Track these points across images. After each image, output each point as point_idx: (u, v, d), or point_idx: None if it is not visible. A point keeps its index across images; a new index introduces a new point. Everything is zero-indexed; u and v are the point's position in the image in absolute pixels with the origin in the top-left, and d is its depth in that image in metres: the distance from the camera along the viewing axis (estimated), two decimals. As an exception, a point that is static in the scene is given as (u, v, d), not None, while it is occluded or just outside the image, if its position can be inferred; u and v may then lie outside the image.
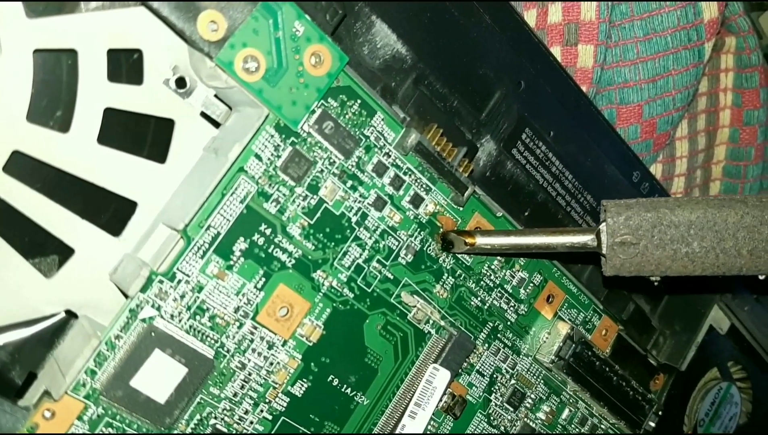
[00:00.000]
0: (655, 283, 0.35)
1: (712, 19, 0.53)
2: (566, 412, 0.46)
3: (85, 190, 0.32)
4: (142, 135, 0.33)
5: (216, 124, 0.34)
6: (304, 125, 0.32)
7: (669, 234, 0.32)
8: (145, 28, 0.31)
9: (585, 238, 0.34)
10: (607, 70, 0.54)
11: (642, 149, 0.57)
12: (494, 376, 0.42)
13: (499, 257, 0.40)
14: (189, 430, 0.32)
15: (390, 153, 0.35)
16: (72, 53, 0.31)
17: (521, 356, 0.43)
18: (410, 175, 0.36)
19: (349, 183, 0.34)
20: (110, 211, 0.33)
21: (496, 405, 0.42)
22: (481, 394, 0.41)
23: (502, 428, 0.43)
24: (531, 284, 0.42)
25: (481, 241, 0.37)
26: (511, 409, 0.43)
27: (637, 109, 0.55)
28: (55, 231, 0.32)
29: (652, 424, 0.49)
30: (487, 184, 0.40)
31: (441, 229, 0.37)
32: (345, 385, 0.36)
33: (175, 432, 0.32)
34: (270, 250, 0.33)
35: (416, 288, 0.38)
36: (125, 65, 0.32)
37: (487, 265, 0.40)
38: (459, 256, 0.39)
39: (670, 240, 0.32)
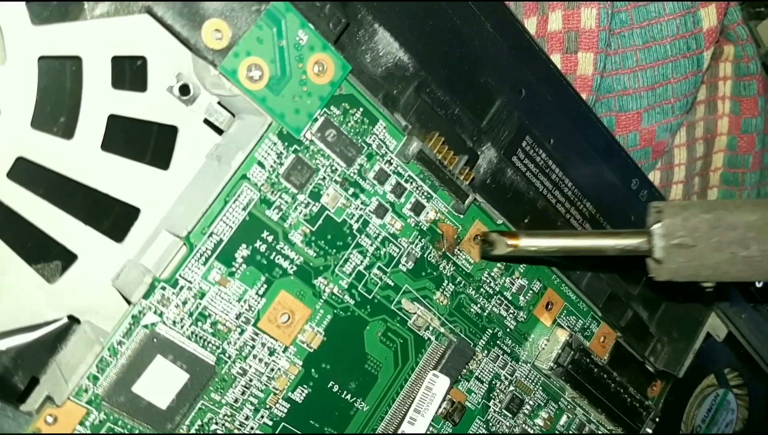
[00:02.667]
0: (707, 290, 0.33)
1: (711, 28, 0.53)
2: (564, 419, 0.46)
3: (88, 196, 0.32)
4: (146, 142, 0.33)
5: (219, 132, 0.34)
6: (307, 133, 0.32)
7: (728, 236, 0.31)
8: (149, 35, 0.31)
9: (637, 241, 0.32)
10: (607, 78, 0.54)
11: (641, 156, 0.57)
12: (493, 382, 0.42)
13: (499, 264, 0.40)
14: (190, 436, 0.33)
15: (392, 161, 0.35)
16: (76, 60, 0.31)
17: (520, 363, 0.43)
18: (411, 183, 0.36)
19: (351, 190, 0.34)
20: (113, 217, 0.33)
21: (494, 411, 0.42)
22: (480, 400, 0.42)
23: (501, 434, 0.43)
24: (530, 291, 0.42)
25: (525, 242, 0.35)
26: (510, 415, 0.43)
27: (636, 117, 0.55)
28: (58, 237, 0.32)
29: (649, 431, 0.49)
30: (488, 191, 0.40)
31: (442, 240, 0.37)
32: (345, 391, 0.37)
33: (176, 437, 0.32)
34: (272, 257, 0.33)
35: (416, 295, 0.38)
36: (129, 72, 0.32)
37: (486, 272, 0.40)
38: (459, 263, 0.39)
39: (729, 242, 0.31)
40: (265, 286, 0.33)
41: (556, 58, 0.52)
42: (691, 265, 0.31)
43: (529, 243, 0.35)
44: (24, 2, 0.30)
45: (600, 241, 0.34)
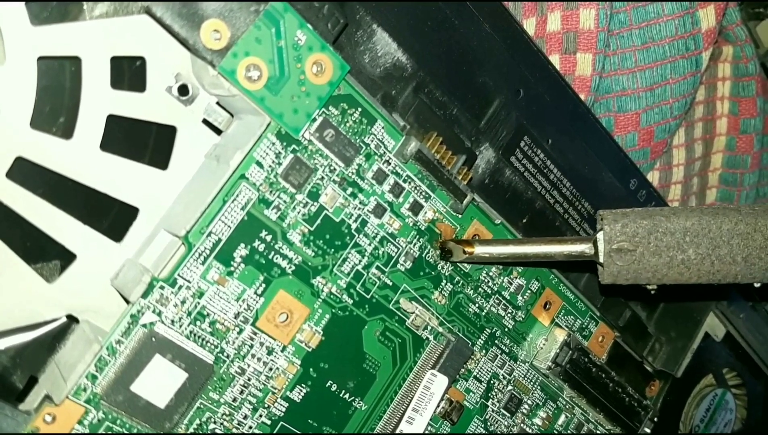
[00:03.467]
0: (652, 292, 0.35)
1: (709, 29, 0.53)
2: (562, 418, 0.46)
3: (87, 195, 0.32)
4: (145, 141, 0.33)
5: (218, 131, 0.34)
6: (306, 133, 0.33)
7: (665, 241, 0.32)
8: (148, 35, 0.31)
9: (582, 247, 0.34)
10: (606, 79, 0.54)
11: (639, 157, 0.58)
12: (491, 382, 0.42)
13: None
14: (188, 435, 0.33)
15: (390, 160, 0.35)
16: (76, 60, 0.31)
17: (518, 362, 0.43)
18: (410, 183, 0.36)
19: (349, 190, 0.34)
20: (112, 217, 0.33)
21: (493, 411, 0.43)
22: (478, 399, 0.42)
23: (499, 433, 0.43)
24: (528, 291, 0.42)
25: (479, 250, 0.37)
26: (508, 414, 0.43)
27: (635, 117, 0.55)
28: (57, 236, 0.32)
29: (648, 430, 0.49)
30: (486, 191, 0.40)
31: (440, 238, 0.38)
32: (343, 391, 0.37)
33: (175, 436, 0.32)
34: (270, 257, 0.33)
35: (415, 294, 0.38)
36: (128, 72, 0.32)
37: (485, 272, 0.40)
38: (457, 262, 0.39)
39: (666, 247, 0.32)
40: (264, 285, 0.33)
41: (554, 59, 0.52)
42: (632, 269, 0.33)
43: (483, 250, 0.37)
44: (23, 2, 0.30)
45: (549, 247, 0.35)
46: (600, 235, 0.33)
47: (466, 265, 0.39)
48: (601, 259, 0.33)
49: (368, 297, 0.36)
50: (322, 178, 0.34)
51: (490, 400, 0.42)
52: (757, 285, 0.34)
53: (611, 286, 0.34)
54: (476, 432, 0.42)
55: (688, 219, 0.32)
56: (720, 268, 0.33)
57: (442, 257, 0.38)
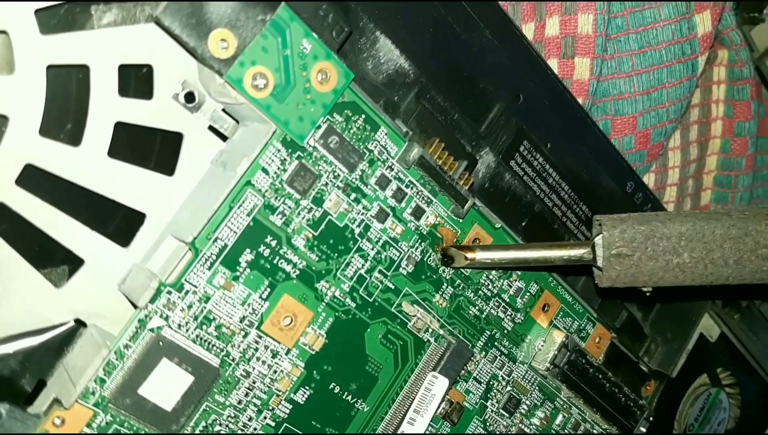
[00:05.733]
0: (647, 294, 0.36)
1: (705, 34, 0.54)
2: (560, 418, 0.47)
3: (95, 201, 0.33)
4: (151, 148, 0.34)
5: (223, 138, 0.35)
6: (310, 140, 0.33)
7: (661, 245, 0.33)
8: (155, 44, 0.32)
9: (581, 252, 0.35)
10: (603, 82, 0.54)
11: (636, 159, 0.58)
12: (491, 383, 0.43)
13: (497, 268, 0.41)
14: (195, 437, 0.33)
15: (393, 166, 0.36)
16: (84, 68, 0.31)
17: (517, 364, 0.44)
18: (412, 188, 0.37)
19: (353, 196, 0.35)
20: (119, 223, 0.34)
21: (492, 411, 0.43)
22: (477, 400, 0.42)
23: (498, 433, 0.44)
24: (527, 294, 0.43)
25: (480, 255, 0.37)
26: (507, 415, 0.44)
27: (632, 121, 0.56)
28: (65, 242, 0.33)
29: (643, 429, 0.50)
30: (486, 195, 0.41)
31: (441, 244, 0.38)
32: (346, 393, 0.37)
33: (182, 438, 0.33)
34: (275, 262, 0.34)
35: (416, 298, 0.38)
36: (135, 80, 0.33)
37: (485, 275, 0.41)
38: (459, 268, 0.39)
39: (663, 251, 0.33)
40: (269, 289, 0.34)
41: (553, 63, 0.52)
42: (629, 273, 0.34)
43: (484, 256, 0.38)
44: (33, 12, 0.30)
45: (548, 252, 0.37)
46: (598, 240, 0.34)
47: (467, 269, 0.40)
48: (600, 264, 0.34)
49: (371, 300, 0.37)
50: (327, 184, 0.34)
51: (490, 400, 0.43)
52: None
53: (608, 288, 0.35)
54: (476, 432, 0.43)
55: (683, 224, 0.33)
56: (713, 270, 0.34)
57: (443, 263, 0.38)
